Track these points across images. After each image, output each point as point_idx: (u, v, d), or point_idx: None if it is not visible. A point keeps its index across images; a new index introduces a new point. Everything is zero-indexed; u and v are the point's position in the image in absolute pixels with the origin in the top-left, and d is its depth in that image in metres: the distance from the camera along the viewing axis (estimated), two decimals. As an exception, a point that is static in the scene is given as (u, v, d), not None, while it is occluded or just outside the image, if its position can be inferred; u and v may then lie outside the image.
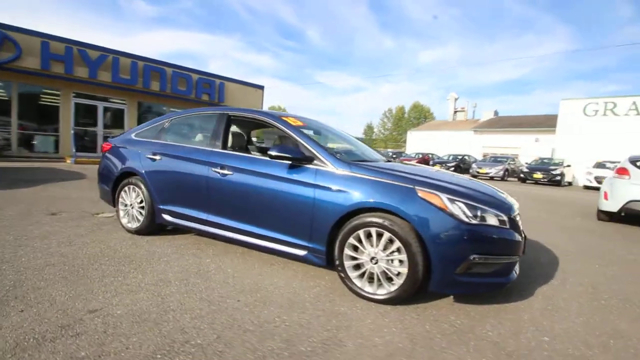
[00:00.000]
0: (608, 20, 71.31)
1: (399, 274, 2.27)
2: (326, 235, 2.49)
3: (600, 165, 14.93)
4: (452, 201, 2.17)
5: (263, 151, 3.59)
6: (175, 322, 1.95)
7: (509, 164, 18.13)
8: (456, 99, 47.35)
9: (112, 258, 2.91)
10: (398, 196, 2.25)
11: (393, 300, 2.27)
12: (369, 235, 2.34)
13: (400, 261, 2.24)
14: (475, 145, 34.97)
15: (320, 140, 3.02)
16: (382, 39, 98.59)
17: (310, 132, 3.12)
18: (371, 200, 2.30)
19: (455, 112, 46.52)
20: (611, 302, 2.62)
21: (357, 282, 2.39)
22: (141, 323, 1.91)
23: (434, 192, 2.21)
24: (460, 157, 22.07)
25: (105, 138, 13.94)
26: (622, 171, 5.79)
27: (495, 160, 18.97)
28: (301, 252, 2.63)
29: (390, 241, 2.27)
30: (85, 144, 13.13)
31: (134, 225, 3.61)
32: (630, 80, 70.30)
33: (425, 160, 21.12)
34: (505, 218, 2.26)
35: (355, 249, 2.42)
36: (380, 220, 2.26)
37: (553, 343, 1.98)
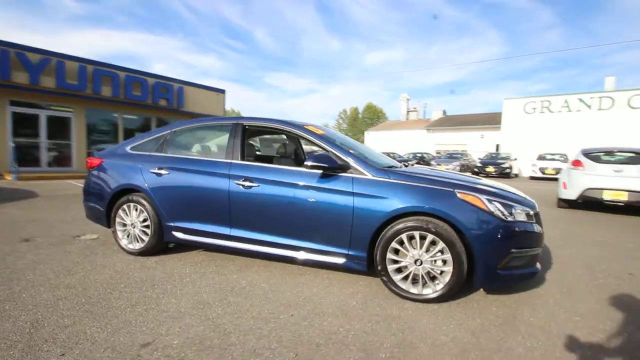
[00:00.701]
0: (531, 26, 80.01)
1: (441, 272, 2.38)
2: (367, 242, 2.53)
3: (542, 157, 16.73)
4: (490, 201, 2.34)
5: (265, 160, 3.51)
6: (242, 345, 1.86)
7: (463, 159, 19.52)
8: (408, 100, 49.89)
9: (129, 284, 2.67)
10: (440, 200, 2.37)
11: (439, 299, 2.38)
12: (411, 238, 2.43)
13: (444, 261, 2.36)
14: (428, 143, 37.10)
15: None
16: (330, 41, 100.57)
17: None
18: (414, 205, 2.39)
19: (408, 112, 49.01)
20: (608, 280, 2.99)
21: (402, 284, 2.46)
22: (207, 350, 1.80)
23: (474, 194, 2.36)
24: (419, 155, 23.26)
25: (50, 150, 12.55)
26: (577, 163, 6.57)
27: (451, 156, 20.32)
28: (340, 260, 2.64)
29: (433, 243, 2.37)
30: (26, 157, 11.68)
31: (137, 246, 3.33)
32: (552, 80, 79.57)
33: None
34: (532, 213, 2.48)
35: (396, 252, 2.49)
36: (423, 224, 2.36)
37: (585, 321, 2.22)
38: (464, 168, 19.45)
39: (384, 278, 2.51)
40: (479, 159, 19.69)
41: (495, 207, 2.32)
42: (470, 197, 2.35)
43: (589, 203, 6.31)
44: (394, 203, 2.43)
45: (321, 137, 2.88)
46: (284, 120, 3.14)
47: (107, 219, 3.50)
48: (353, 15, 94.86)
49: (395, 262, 2.48)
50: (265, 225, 2.85)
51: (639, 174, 5.79)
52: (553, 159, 16.28)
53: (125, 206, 3.36)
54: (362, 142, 56.30)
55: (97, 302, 2.34)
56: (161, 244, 3.34)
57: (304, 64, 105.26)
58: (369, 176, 2.57)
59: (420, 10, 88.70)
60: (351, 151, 2.79)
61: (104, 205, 3.46)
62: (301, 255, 2.76)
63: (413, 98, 48.15)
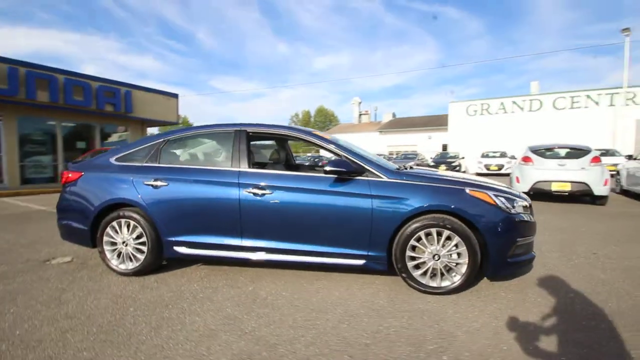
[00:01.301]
0: (462, 35, 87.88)
1: (457, 265, 2.56)
2: (387, 242, 2.63)
3: (485, 155, 18.44)
4: (496, 196, 2.58)
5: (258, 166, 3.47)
6: (294, 354, 1.84)
7: (418, 159, 20.74)
8: (360, 103, 51.66)
9: (138, 307, 2.47)
10: (453, 197, 2.55)
11: (457, 290, 2.56)
12: (427, 235, 2.58)
13: (459, 254, 2.55)
14: (381, 145, 38.74)
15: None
16: (277, 45, 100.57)
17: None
18: (431, 203, 2.54)
19: (360, 115, 50.73)
20: (580, 260, 3.44)
21: (422, 279, 2.60)
22: (262, 365, 1.75)
23: (482, 190, 2.59)
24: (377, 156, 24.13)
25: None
26: (527, 159, 7.38)
27: (406, 157, 21.47)
28: (360, 262, 2.71)
29: (448, 238, 2.55)
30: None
31: (131, 265, 3.07)
32: (482, 84, 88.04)
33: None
34: (527, 205, 2.78)
35: (413, 249, 2.62)
36: (439, 221, 2.53)
37: (593, 296, 2.54)
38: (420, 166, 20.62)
39: (404, 275, 2.63)
40: (431, 158, 21.04)
41: (501, 202, 2.57)
42: (479, 194, 2.57)
43: (539, 194, 7.13)
44: (411, 203, 2.57)
45: (333, 142, 2.93)
46: (290, 126, 3.13)
47: (91, 238, 3.17)
48: (299, 20, 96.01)
49: (413, 258, 2.61)
50: (280, 232, 2.82)
51: (579, 167, 6.69)
52: (495, 156, 18.02)
53: (114, 223, 3.08)
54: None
55: (113, 330, 2.13)
56: (159, 262, 3.12)
57: (251, 68, 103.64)
58: (385, 178, 2.68)
59: (363, 17, 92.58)
60: (363, 155, 2.88)
61: (88, 223, 3.14)
62: (319, 260, 2.77)
63: (364, 101, 50.07)
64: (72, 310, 2.42)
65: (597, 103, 18.02)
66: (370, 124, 46.90)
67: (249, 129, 3.09)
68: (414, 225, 2.57)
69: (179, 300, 2.58)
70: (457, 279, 2.55)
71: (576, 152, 7.10)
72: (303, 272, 3.09)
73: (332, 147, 2.90)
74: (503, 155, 17.96)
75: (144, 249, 3.04)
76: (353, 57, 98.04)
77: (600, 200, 6.80)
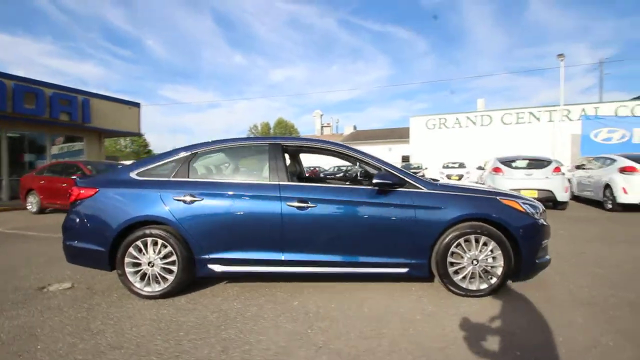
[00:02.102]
0: (412, 53, 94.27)
1: (492, 268, 2.78)
2: (428, 250, 2.77)
3: (446, 166, 19.77)
4: (524, 204, 2.85)
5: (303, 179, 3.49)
6: (383, 364, 1.88)
7: (353, 171, 21.60)
8: (322, 115, 52.75)
9: (190, 331, 2.32)
10: (489, 206, 2.78)
11: (494, 291, 2.76)
12: (466, 241, 2.77)
13: (494, 258, 2.76)
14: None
15: None
16: (232, 55, 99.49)
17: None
18: (470, 212, 2.75)
19: (322, 127, 51.70)
20: (574, 259, 3.87)
21: (461, 283, 2.77)
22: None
23: (513, 199, 2.85)
24: (344, 168, 24.61)
25: None
26: (497, 169, 8.10)
27: (340, 169, 22.28)
28: (403, 270, 2.82)
29: (485, 243, 2.76)
30: None
31: (158, 287, 2.88)
32: (430, 100, 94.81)
33: (314, 173, 22.57)
34: (543, 210, 3.09)
35: (452, 255, 2.79)
36: (477, 228, 2.73)
37: (594, 288, 2.88)
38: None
39: (445, 280, 2.78)
40: (396, 169, 21.97)
41: (528, 208, 2.85)
42: (510, 202, 2.82)
43: (510, 201, 7.83)
44: (451, 212, 2.75)
45: (370, 156, 3.04)
46: (326, 140, 3.20)
47: (109, 261, 2.92)
48: (254, 32, 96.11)
49: (452, 264, 2.78)
50: (324, 245, 2.84)
51: (543, 176, 7.50)
52: (454, 167, 19.40)
53: (139, 242, 2.88)
54: (280, 157, 56.55)
55: (178, 355, 2.00)
56: (190, 281, 2.96)
57: (205, 78, 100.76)
58: (424, 189, 2.84)
59: (319, 32, 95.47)
60: (399, 167, 3.02)
61: (106, 244, 2.89)
62: (364, 270, 2.83)
63: (322, 114, 51.11)
64: (114, 340, 2.22)
65: (538, 119, 20.36)
66: (332, 136, 47.84)
67: (284, 142, 3.10)
68: (454, 232, 2.74)
69: (227, 320, 2.47)
70: (493, 281, 2.76)
71: (539, 163, 7.95)
72: (341, 285, 3.11)
73: (370, 160, 3.01)
74: (462, 166, 19.38)
75: (174, 268, 2.86)
76: (309, 71, 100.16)
77: (561, 205, 7.65)
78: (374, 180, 2.76)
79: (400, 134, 39.10)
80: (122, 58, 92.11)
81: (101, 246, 2.91)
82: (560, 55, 17.89)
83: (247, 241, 2.86)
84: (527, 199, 2.97)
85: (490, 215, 2.74)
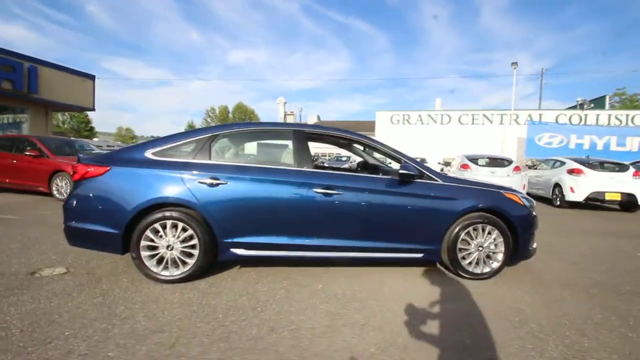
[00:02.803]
0: (372, 49, 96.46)
1: (493, 254, 3.11)
2: (442, 237, 3.02)
3: (408, 160, 20.73)
4: (522, 197, 3.21)
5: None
6: (435, 338, 2.07)
7: (349, 162, 22.07)
8: (285, 103, 51.98)
9: (227, 313, 2.33)
10: (495, 198, 3.09)
11: (494, 275, 3.10)
12: (474, 230, 3.06)
13: (495, 245, 3.09)
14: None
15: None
16: (187, 31, 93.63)
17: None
18: (480, 203, 3.03)
19: (286, 115, 51.03)
20: (548, 247, 4.42)
21: (468, 268, 3.07)
22: (414, 349, 1.94)
23: (514, 192, 3.19)
24: (344, 158, 24.38)
25: None
26: (465, 166, 8.77)
27: (339, 159, 22.66)
28: (419, 255, 3.04)
29: (489, 232, 3.08)
30: None
31: (177, 271, 2.80)
32: (387, 95, 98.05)
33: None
34: (534, 203, 3.50)
35: (460, 242, 3.07)
36: (484, 218, 3.03)
37: (570, 272, 3.35)
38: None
39: (455, 264, 3.05)
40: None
41: (525, 201, 3.21)
42: (511, 195, 3.16)
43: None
44: (464, 203, 3.02)
45: (393, 148, 3.19)
46: (349, 130, 3.28)
47: (122, 244, 2.77)
48: (213, 8, 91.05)
49: (461, 250, 3.07)
50: (347, 231, 2.95)
51: (505, 174, 8.29)
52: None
53: (157, 225, 2.77)
54: (241, 143, 54.97)
55: (227, 337, 2.02)
56: (209, 266, 2.92)
57: (155, 53, 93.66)
58: (440, 181, 3.07)
59: (282, 15, 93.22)
60: (416, 160, 3.22)
61: (120, 226, 2.74)
62: (385, 255, 3.01)
63: (282, 100, 50.27)
64: (150, 324, 2.16)
65: (491, 121, 22.15)
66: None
67: (306, 130, 3.13)
68: (465, 221, 3.02)
69: (260, 302, 2.51)
70: (495, 265, 3.10)
71: (501, 162, 8.76)
72: (354, 270, 3.25)
73: (391, 151, 3.17)
74: (423, 161, 20.49)
75: (194, 252, 2.80)
76: (270, 56, 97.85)
77: (518, 201, 8.54)
78: (400, 171, 2.92)
79: (364, 128, 40.06)
80: (59, 23, 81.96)
81: (114, 228, 2.75)
82: (514, 63, 19.55)
83: (272, 226, 2.88)
84: (521, 193, 3.35)
85: (497, 206, 3.05)
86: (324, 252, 2.96)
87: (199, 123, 74.68)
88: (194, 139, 3.00)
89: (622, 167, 7.98)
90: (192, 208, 2.78)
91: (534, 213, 3.27)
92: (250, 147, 3.37)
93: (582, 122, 20.04)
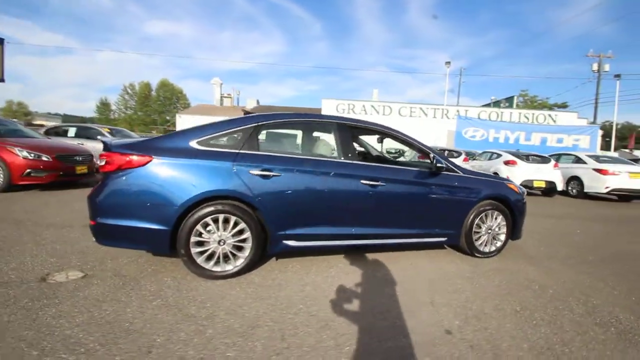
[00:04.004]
0: (307, 35, 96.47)
1: (497, 235, 3.66)
2: (462, 222, 3.45)
3: (355, 148, 21.70)
4: (519, 187, 3.81)
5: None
6: (495, 305, 2.44)
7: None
8: (221, 84, 49.04)
9: (312, 305, 2.40)
10: (502, 188, 3.61)
11: (498, 252, 3.67)
12: (485, 216, 3.56)
13: (499, 227, 3.65)
14: (247, 131, 38.37)
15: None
16: None
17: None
18: (493, 193, 3.52)
19: (222, 97, 48.28)
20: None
21: (480, 248, 3.57)
22: (498, 316, 2.28)
23: (512, 183, 3.76)
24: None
25: None
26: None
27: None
28: (443, 239, 3.43)
29: (496, 217, 3.61)
30: None
31: (229, 266, 2.73)
32: (321, 82, 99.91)
33: None
34: (525, 192, 4.14)
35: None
36: (494, 205, 3.55)
37: (545, 247, 4.12)
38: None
39: (471, 246, 3.52)
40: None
41: (520, 190, 3.82)
42: (512, 186, 3.73)
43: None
44: (481, 192, 3.47)
45: (422, 143, 3.47)
46: (387, 126, 3.45)
47: (170, 241, 2.58)
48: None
49: (477, 233, 3.55)
50: (387, 219, 3.18)
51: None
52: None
53: (209, 219, 2.63)
54: (172, 124, 50.56)
55: (327, 326, 2.11)
56: (259, 259, 2.88)
57: (53, 14, 79.25)
58: (461, 174, 3.47)
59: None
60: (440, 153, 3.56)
61: (169, 222, 2.54)
62: (416, 240, 3.32)
63: (218, 81, 47.27)
64: (240, 321, 2.13)
65: (426, 115, 24.30)
66: (234, 109, 45.44)
67: (348, 122, 3.23)
68: (480, 208, 3.49)
69: (327, 290, 2.61)
70: (498, 244, 3.65)
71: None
72: (381, 255, 3.51)
73: (421, 146, 3.45)
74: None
75: (246, 246, 2.75)
76: (196, 32, 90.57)
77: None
78: (438, 165, 3.23)
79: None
80: None
81: (160, 224, 2.54)
82: (448, 62, 21.77)
83: (322, 217, 2.96)
84: (518, 184, 3.97)
85: (503, 195, 3.59)
86: (365, 240, 3.15)
87: (114, 100, 66.07)
88: (240, 128, 2.87)
89: (544, 160, 9.68)
90: (245, 201, 2.70)
91: (524, 200, 3.91)
92: (294, 138, 3.32)
93: (499, 119, 23.29)
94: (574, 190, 9.78)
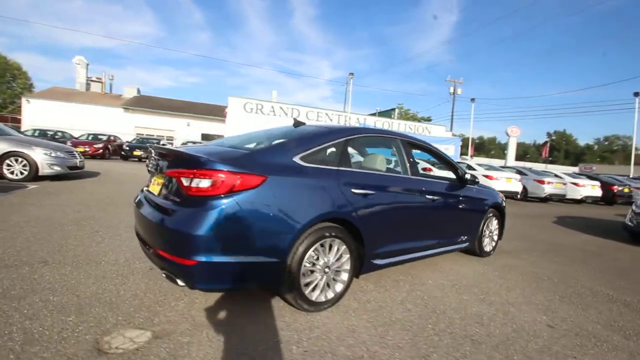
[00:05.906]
0: (187, 22, 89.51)
1: (494, 235, 4.43)
2: (479, 229, 4.05)
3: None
4: (504, 196, 4.67)
5: None
6: (547, 298, 3.01)
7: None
8: (88, 65, 40.17)
9: (426, 322, 2.45)
10: (498, 197, 4.38)
11: (493, 251, 4.43)
12: (489, 221, 4.26)
13: (495, 229, 4.42)
14: (127, 125, 33.02)
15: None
16: None
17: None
18: (495, 202, 4.23)
19: (90, 81, 39.61)
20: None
21: (485, 248, 4.25)
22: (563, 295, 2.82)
23: (500, 192, 4.59)
24: (106, 137, 20.34)
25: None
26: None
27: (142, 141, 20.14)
28: (464, 245, 3.94)
29: (495, 221, 4.36)
30: None
31: (330, 294, 2.52)
32: (203, 75, 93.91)
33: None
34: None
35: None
36: (494, 212, 4.29)
37: (510, 243, 5.18)
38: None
39: (480, 248, 4.15)
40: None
41: (504, 198, 4.69)
42: (500, 195, 4.56)
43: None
44: (489, 201, 4.14)
45: (453, 160, 3.88)
46: (429, 143, 3.69)
47: (283, 272, 2.22)
48: None
49: (483, 236, 4.21)
50: (437, 230, 3.46)
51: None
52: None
53: (318, 245, 2.38)
54: (13, 110, 38.77)
55: (481, 342, 2.24)
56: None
57: None
58: (477, 186, 4.06)
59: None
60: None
61: (284, 252, 2.19)
62: (448, 248, 3.70)
63: (83, 60, 38.22)
64: (405, 342, 2.05)
65: (331, 120, 25.87)
66: (107, 96, 38.27)
67: (410, 140, 3.36)
68: (488, 214, 4.16)
69: (425, 296, 2.73)
70: (494, 244, 4.43)
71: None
72: (418, 264, 3.78)
73: (454, 162, 3.87)
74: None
75: (344, 269, 2.60)
76: None
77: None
78: (469, 178, 3.69)
79: (199, 110, 37.00)
80: None
81: (273, 256, 2.16)
82: (351, 74, 23.70)
83: (402, 232, 3.03)
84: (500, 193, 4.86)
85: (499, 202, 4.36)
86: (422, 252, 3.35)
87: None
88: (332, 142, 2.67)
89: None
90: (350, 221, 2.54)
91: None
92: (370, 153, 3.21)
93: (390, 128, 26.83)
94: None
